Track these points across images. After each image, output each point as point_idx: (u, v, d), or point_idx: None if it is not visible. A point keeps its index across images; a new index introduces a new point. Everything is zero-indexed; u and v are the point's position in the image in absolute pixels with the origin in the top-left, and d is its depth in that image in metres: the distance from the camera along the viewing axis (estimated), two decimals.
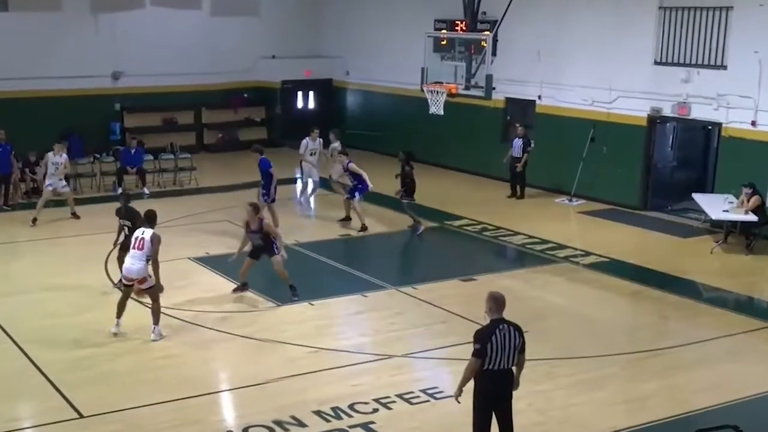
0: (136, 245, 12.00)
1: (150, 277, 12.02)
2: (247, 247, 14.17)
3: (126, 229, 13.84)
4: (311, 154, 20.51)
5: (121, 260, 13.18)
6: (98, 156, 22.59)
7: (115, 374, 11.15)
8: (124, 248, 13.15)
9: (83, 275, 15.07)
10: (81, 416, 10.03)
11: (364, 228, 17.81)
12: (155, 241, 11.96)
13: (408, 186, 17.89)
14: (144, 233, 12.02)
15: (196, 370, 11.38)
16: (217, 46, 26.81)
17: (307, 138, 20.53)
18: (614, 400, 10.66)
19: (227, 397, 10.91)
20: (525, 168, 21.07)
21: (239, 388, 11.02)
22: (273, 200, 17.58)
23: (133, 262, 12.00)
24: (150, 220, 12.30)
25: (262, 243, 14.04)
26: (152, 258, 11.96)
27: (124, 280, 12.32)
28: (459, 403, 8.50)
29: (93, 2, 25.07)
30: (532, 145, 21.15)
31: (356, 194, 18.11)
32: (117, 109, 26.03)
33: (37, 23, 24.20)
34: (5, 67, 23.66)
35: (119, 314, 12.24)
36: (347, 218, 18.35)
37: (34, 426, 10.06)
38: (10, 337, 12.26)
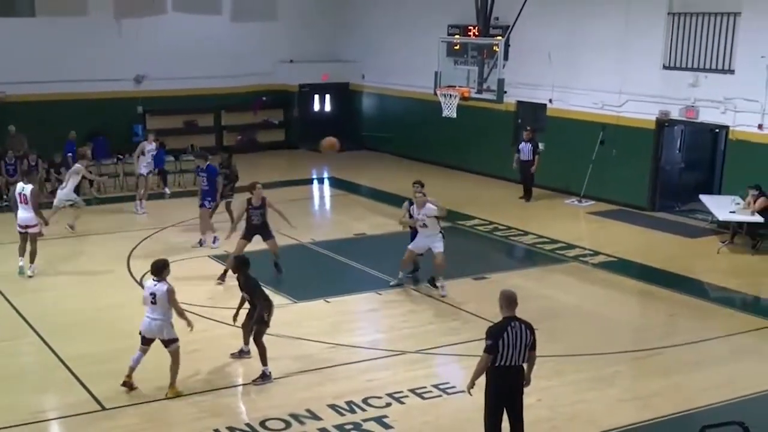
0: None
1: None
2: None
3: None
4: None
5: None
6: (122, 157, 23.05)
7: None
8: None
9: (108, 272, 15.43)
10: (103, 408, 10.28)
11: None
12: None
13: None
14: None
15: (214, 364, 11.57)
16: (237, 50, 27.12)
17: None
18: (622, 397, 10.80)
19: (244, 391, 11.07)
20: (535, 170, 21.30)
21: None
22: (217, 204, 17.52)
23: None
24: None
25: (262, 221, 14.57)
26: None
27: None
28: (471, 395, 8.72)
29: (117, 8, 25.33)
30: (541, 147, 21.39)
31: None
32: (140, 112, 26.38)
33: (63, 28, 24.58)
34: (32, 70, 24.10)
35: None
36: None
37: (58, 418, 10.29)
38: (36, 332, 12.57)
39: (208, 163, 17.31)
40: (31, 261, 15.26)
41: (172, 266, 12.67)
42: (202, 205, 17.10)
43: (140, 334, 10.70)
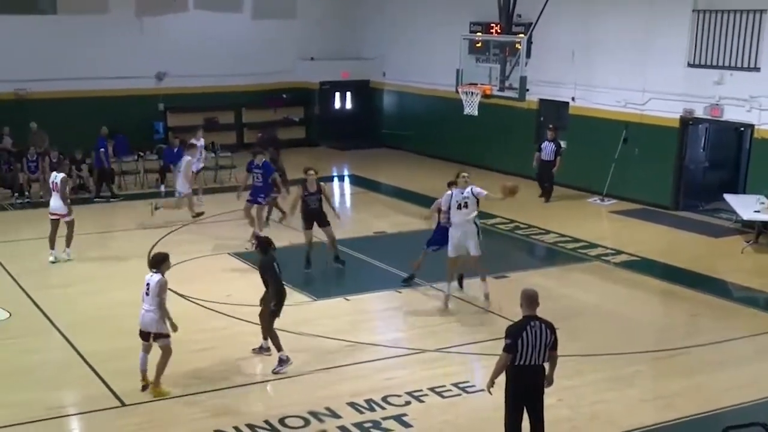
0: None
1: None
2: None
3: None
4: None
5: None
6: (142, 154, 23.16)
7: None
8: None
9: (127, 268, 15.46)
10: (123, 404, 10.33)
11: None
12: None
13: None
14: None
15: (234, 361, 11.60)
16: (258, 48, 27.23)
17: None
18: (643, 397, 10.74)
19: (263, 388, 11.11)
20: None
21: (276, 379, 11.21)
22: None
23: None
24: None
25: (318, 207, 14.83)
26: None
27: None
28: (491, 394, 8.69)
29: (138, 5, 25.59)
30: (563, 146, 21.28)
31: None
32: (160, 109, 26.59)
33: (85, 26, 24.82)
34: (54, 67, 24.33)
35: None
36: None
37: (78, 413, 10.35)
38: (57, 328, 12.64)
39: (264, 159, 17.44)
40: (67, 245, 15.87)
41: (193, 263, 12.80)
42: (256, 202, 17.11)
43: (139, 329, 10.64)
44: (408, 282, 14.77)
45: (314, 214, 15.18)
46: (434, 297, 14.32)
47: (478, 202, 13.73)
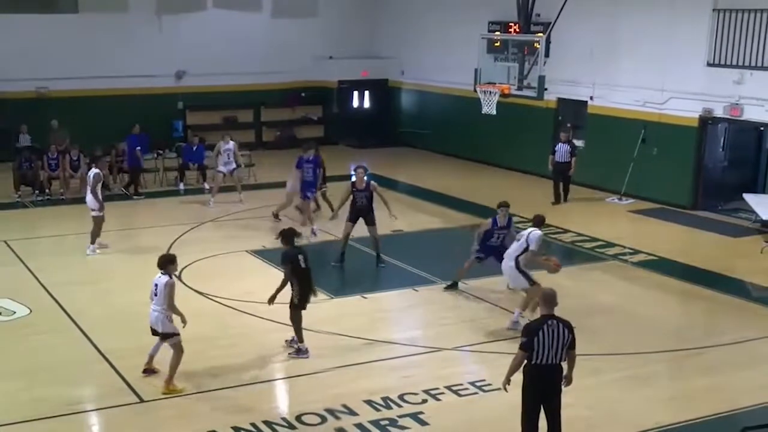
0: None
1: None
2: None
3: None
4: None
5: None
6: (161, 152, 23.27)
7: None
8: None
9: (147, 266, 15.54)
10: (141, 401, 10.38)
11: None
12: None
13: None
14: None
15: (252, 359, 11.64)
16: (277, 46, 27.31)
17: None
18: (661, 397, 10.73)
19: (281, 386, 11.21)
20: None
21: (293, 377, 11.29)
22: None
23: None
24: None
25: (366, 204, 15.18)
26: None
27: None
28: (507, 392, 8.68)
29: (158, 4, 25.75)
30: (581, 145, 21.16)
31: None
32: (180, 107, 26.71)
33: (105, 24, 24.99)
34: (74, 66, 24.51)
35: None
36: None
37: (97, 409, 10.43)
38: (78, 326, 12.72)
39: (315, 153, 17.68)
40: (91, 241, 16.18)
41: (212, 261, 12.86)
42: (305, 197, 17.45)
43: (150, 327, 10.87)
44: (451, 288, 14.42)
45: (361, 210, 15.54)
46: (451, 295, 14.32)
47: (526, 249, 12.78)
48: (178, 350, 10.67)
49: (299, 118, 28.74)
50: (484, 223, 14.24)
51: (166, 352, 10.81)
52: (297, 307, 11.56)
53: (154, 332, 10.80)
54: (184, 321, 10.68)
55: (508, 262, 12.99)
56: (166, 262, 10.78)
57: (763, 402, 10.51)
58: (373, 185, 15.59)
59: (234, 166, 20.40)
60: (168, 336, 10.67)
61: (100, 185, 16.37)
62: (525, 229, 13.23)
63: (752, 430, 9.08)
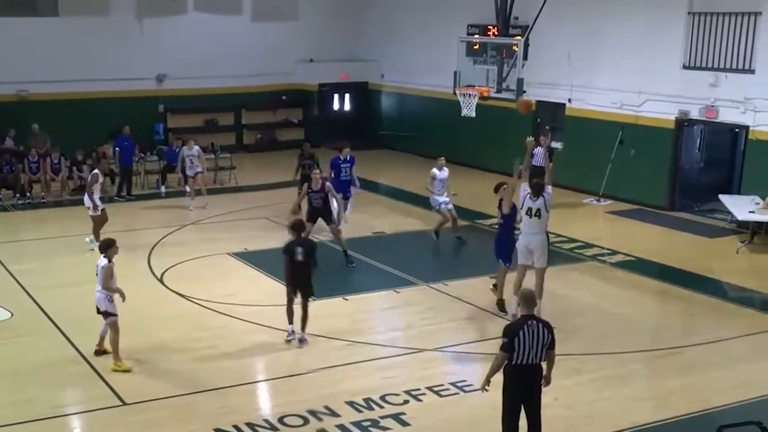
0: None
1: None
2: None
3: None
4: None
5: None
6: (143, 155, 23.26)
7: (156, 364, 11.54)
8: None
9: (128, 269, 15.51)
10: (124, 403, 10.40)
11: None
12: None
13: None
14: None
15: (233, 361, 11.68)
16: (257, 50, 27.34)
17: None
18: (639, 396, 10.80)
19: (263, 387, 11.25)
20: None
21: (275, 378, 11.37)
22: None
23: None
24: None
25: (322, 203, 15.48)
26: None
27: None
28: (486, 391, 8.75)
29: (139, 7, 25.68)
30: (559, 147, 21.22)
31: None
32: (161, 111, 26.69)
33: (86, 28, 24.90)
34: (55, 69, 24.41)
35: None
36: None
37: (80, 412, 10.41)
38: (59, 329, 12.71)
39: (350, 153, 17.93)
40: (93, 233, 16.52)
41: (193, 263, 12.92)
42: (346, 197, 17.70)
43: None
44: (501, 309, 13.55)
45: (318, 210, 15.79)
46: (432, 296, 14.40)
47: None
48: (114, 329, 11.33)
49: (280, 120, 28.79)
50: None
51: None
52: (288, 294, 12.17)
53: (99, 311, 11.44)
54: (123, 297, 11.40)
55: (537, 234, 12.87)
56: (105, 247, 11.57)
57: (740, 400, 10.58)
58: (328, 187, 15.90)
59: (199, 170, 20.30)
60: (107, 315, 11.33)
61: (97, 186, 16.51)
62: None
63: (729, 429, 9.16)
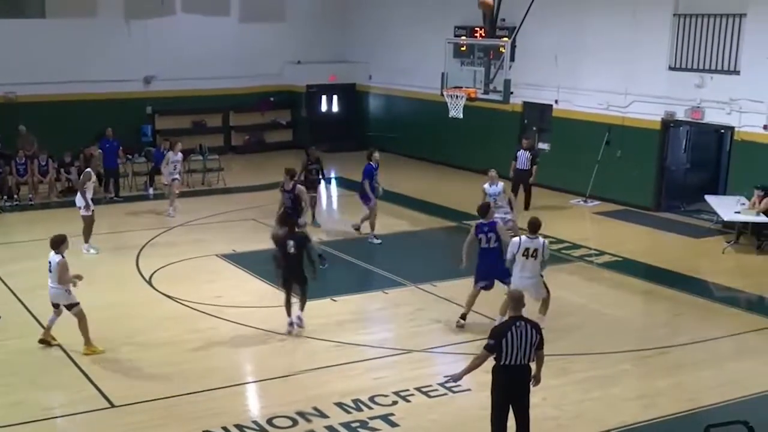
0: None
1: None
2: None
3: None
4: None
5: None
6: (131, 157, 23.22)
7: (144, 366, 11.53)
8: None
9: (116, 270, 15.59)
10: (112, 405, 10.41)
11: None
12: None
13: None
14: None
15: (222, 362, 11.71)
16: (245, 51, 27.35)
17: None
18: (627, 396, 10.85)
19: (252, 389, 11.26)
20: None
21: (263, 380, 11.39)
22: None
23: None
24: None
25: (291, 204, 15.80)
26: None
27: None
28: (455, 383, 8.94)
29: (127, 9, 25.54)
30: (546, 148, 21.31)
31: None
32: (149, 112, 26.64)
33: (73, 29, 24.82)
34: (43, 71, 24.32)
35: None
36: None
37: (67, 414, 10.42)
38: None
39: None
40: (85, 239, 16.50)
41: (181, 265, 12.93)
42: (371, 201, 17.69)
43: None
44: (460, 325, 13.04)
45: (288, 209, 15.88)
46: (421, 298, 14.43)
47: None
48: (81, 317, 11.68)
49: (268, 122, 28.79)
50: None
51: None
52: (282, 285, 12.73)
53: (56, 306, 11.82)
54: (79, 278, 11.80)
55: (531, 278, 12.33)
56: (57, 243, 11.79)
57: (727, 400, 10.66)
58: (299, 189, 16.18)
59: (177, 177, 20.15)
60: (70, 306, 11.69)
61: (90, 184, 16.55)
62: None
63: (716, 428, 9.20)
